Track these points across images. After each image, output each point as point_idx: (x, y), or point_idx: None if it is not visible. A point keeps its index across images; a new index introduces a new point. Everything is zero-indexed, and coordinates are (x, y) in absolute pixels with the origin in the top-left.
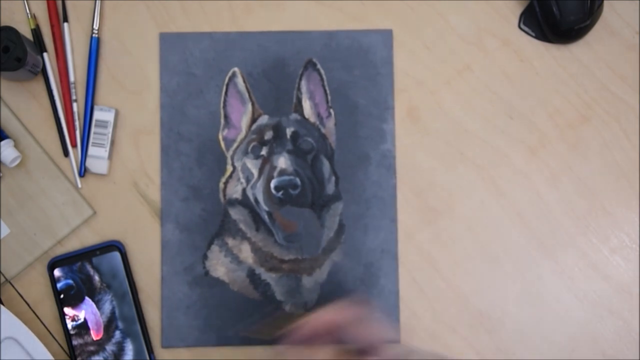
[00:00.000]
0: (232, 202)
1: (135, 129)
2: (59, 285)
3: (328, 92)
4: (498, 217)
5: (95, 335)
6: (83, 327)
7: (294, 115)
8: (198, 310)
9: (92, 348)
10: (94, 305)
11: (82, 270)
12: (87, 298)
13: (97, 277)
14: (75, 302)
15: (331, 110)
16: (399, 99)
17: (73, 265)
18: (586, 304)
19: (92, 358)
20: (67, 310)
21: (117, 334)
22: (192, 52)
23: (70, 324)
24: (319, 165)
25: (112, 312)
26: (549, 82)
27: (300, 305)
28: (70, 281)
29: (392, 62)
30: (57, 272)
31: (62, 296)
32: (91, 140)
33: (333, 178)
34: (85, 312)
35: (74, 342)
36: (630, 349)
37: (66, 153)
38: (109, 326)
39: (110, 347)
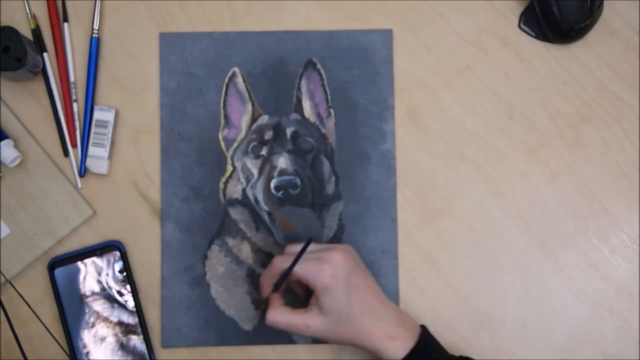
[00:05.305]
0: (232, 202)
1: (135, 129)
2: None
3: (328, 91)
4: (498, 217)
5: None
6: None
7: (294, 115)
8: (198, 310)
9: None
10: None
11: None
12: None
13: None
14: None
15: (331, 110)
16: (399, 99)
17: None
18: (586, 303)
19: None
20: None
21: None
22: (191, 52)
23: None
24: (319, 165)
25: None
26: (549, 82)
27: None
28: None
29: (391, 61)
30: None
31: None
32: (91, 140)
33: (333, 178)
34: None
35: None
36: (630, 349)
37: (66, 153)
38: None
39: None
